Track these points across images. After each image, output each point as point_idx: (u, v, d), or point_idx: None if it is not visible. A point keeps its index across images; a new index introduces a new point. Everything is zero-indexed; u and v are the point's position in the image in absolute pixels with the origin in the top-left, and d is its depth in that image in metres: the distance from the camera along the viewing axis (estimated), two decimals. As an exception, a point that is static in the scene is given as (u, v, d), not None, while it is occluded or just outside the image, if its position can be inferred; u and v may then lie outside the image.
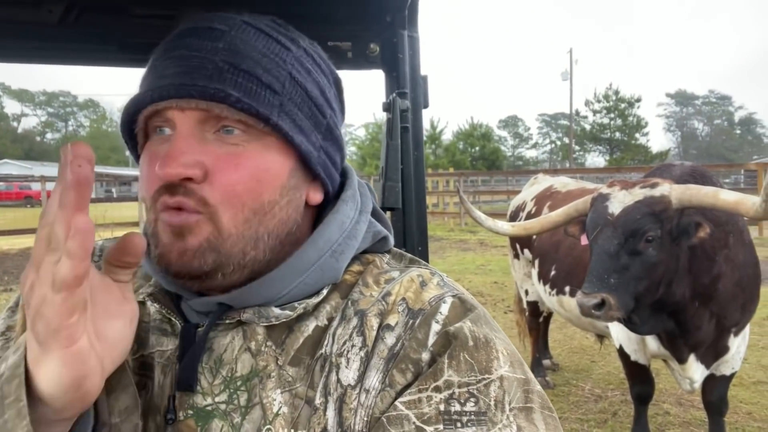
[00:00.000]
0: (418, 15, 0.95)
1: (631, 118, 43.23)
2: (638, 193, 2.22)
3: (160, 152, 0.57)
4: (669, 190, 2.19)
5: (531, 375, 0.56)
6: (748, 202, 2.02)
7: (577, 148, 47.95)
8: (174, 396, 0.58)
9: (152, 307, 0.64)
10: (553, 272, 3.39)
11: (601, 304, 2.10)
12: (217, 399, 0.57)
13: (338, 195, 0.68)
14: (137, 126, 0.61)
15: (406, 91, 0.96)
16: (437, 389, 0.52)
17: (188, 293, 0.63)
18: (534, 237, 3.60)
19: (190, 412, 0.57)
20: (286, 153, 0.60)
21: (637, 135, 43.25)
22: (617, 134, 44.05)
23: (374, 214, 0.72)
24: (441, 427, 0.50)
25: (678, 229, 2.16)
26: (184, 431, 0.57)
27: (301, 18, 0.73)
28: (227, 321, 0.60)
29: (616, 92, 43.85)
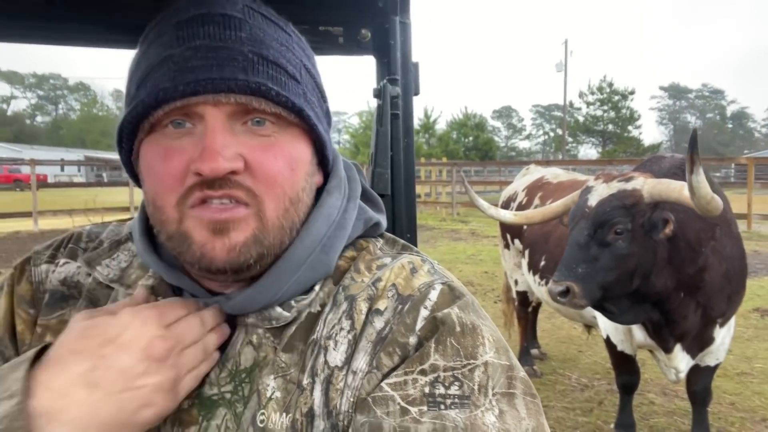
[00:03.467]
0: (410, 1, 0.95)
1: (624, 111, 43.38)
2: (614, 186, 2.28)
3: (183, 147, 0.56)
4: (642, 184, 2.24)
5: (516, 362, 0.57)
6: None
7: (570, 139, 48.05)
8: None
9: (152, 300, 0.63)
10: (543, 262, 3.42)
11: (566, 292, 2.18)
12: (223, 389, 0.59)
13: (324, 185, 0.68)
14: (147, 120, 0.57)
15: (397, 77, 0.96)
16: (423, 372, 0.53)
17: (194, 289, 0.63)
18: (524, 227, 3.62)
19: (196, 401, 0.58)
20: (307, 141, 0.62)
21: (629, 127, 43.43)
22: (610, 126, 44.20)
23: (365, 197, 0.72)
24: (425, 408, 0.51)
25: (649, 223, 2.20)
26: (185, 419, 0.57)
27: (292, 2, 0.72)
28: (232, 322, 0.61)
29: (610, 84, 43.94)
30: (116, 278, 0.67)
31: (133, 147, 0.61)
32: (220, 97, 0.54)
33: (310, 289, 0.62)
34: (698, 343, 2.55)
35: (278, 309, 0.60)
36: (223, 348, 0.60)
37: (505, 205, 4.21)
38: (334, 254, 0.63)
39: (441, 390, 0.52)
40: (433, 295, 0.59)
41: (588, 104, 45.65)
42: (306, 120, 0.59)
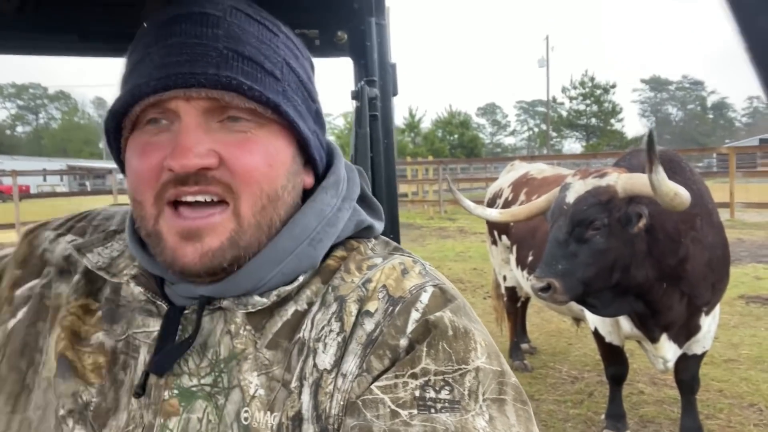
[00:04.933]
0: (386, 2, 0.95)
1: (606, 104, 43.82)
2: (589, 183, 2.33)
3: (160, 144, 0.56)
4: (615, 179, 2.28)
5: (507, 368, 0.57)
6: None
7: (554, 134, 48.40)
8: (147, 372, 0.59)
9: (136, 289, 0.64)
10: (530, 258, 3.42)
11: (547, 288, 2.24)
12: (203, 381, 0.58)
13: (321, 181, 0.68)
14: (128, 117, 0.58)
15: (375, 78, 0.96)
16: (414, 376, 0.53)
17: (174, 279, 0.63)
18: (511, 224, 3.64)
19: (176, 391, 0.58)
20: (288, 139, 0.61)
21: (612, 121, 43.87)
22: (593, 120, 44.62)
23: (366, 203, 0.72)
24: (415, 411, 0.50)
25: (625, 218, 2.24)
26: (167, 410, 0.57)
27: (267, 3, 0.72)
28: (210, 307, 0.61)
29: (592, 79, 44.37)
30: (104, 266, 0.67)
31: (119, 146, 0.62)
32: (191, 92, 0.55)
33: (294, 280, 0.61)
34: (685, 332, 2.58)
35: (256, 297, 0.60)
36: (194, 333, 0.59)
37: (491, 202, 4.23)
38: (321, 249, 0.62)
39: (431, 394, 0.51)
40: (425, 298, 0.58)
41: (571, 99, 46.07)
42: (284, 116, 0.58)
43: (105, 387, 0.60)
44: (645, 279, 2.34)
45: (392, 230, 0.99)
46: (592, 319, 2.89)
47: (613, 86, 44.12)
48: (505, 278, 4.16)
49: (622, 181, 2.26)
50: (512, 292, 4.14)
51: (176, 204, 0.57)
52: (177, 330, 0.60)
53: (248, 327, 0.59)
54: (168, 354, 0.58)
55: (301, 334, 0.58)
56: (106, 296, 0.66)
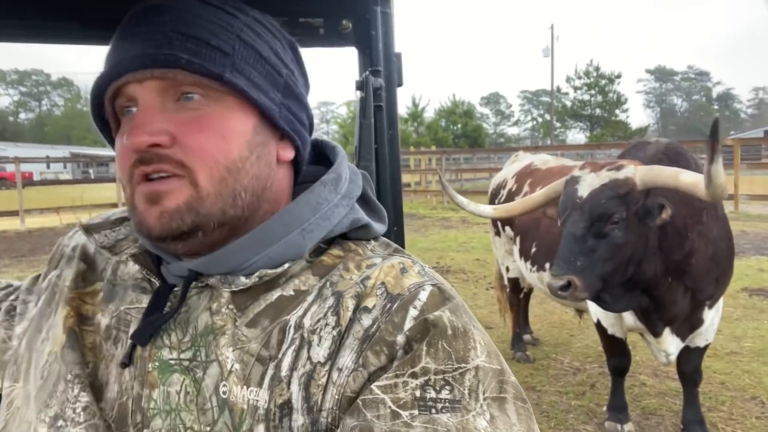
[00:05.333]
0: (391, -9, 0.93)
1: (611, 95, 43.54)
2: (604, 176, 2.25)
3: (128, 129, 0.60)
4: (633, 172, 2.22)
5: (506, 366, 0.57)
6: (702, 185, 2.02)
7: (558, 124, 48.20)
8: (134, 345, 0.62)
9: (133, 267, 0.68)
10: (533, 249, 3.41)
11: (567, 286, 2.17)
12: (182, 355, 0.60)
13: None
14: (106, 111, 0.63)
15: (380, 68, 0.94)
16: (414, 375, 0.53)
17: (169, 257, 0.66)
18: None
19: (157, 364, 0.61)
20: (247, 110, 0.62)
21: (617, 111, 43.63)
22: (597, 111, 44.39)
23: (368, 204, 0.73)
24: (416, 412, 0.50)
25: (643, 211, 2.19)
26: (151, 381, 0.60)
27: None
28: (199, 285, 0.63)
29: (597, 69, 44.06)
30: (108, 245, 0.71)
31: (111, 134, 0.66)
32: (138, 75, 0.58)
33: (280, 266, 0.63)
34: (688, 325, 2.57)
35: (241, 277, 0.61)
36: (177, 306, 0.62)
37: (495, 193, 4.21)
38: (310, 240, 0.64)
39: (432, 394, 0.51)
40: (423, 296, 0.59)
41: (575, 89, 45.80)
42: (233, 86, 0.60)
43: (97, 364, 0.64)
44: (653, 274, 2.31)
45: (396, 222, 0.98)
46: (595, 311, 2.88)
47: (618, 76, 43.80)
48: (508, 269, 4.13)
49: (641, 173, 2.21)
50: (515, 283, 4.11)
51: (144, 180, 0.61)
52: (164, 305, 0.63)
53: (231, 306, 0.61)
54: (148, 324, 0.61)
55: (288, 317, 0.59)
56: (107, 278, 0.70)
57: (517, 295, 4.20)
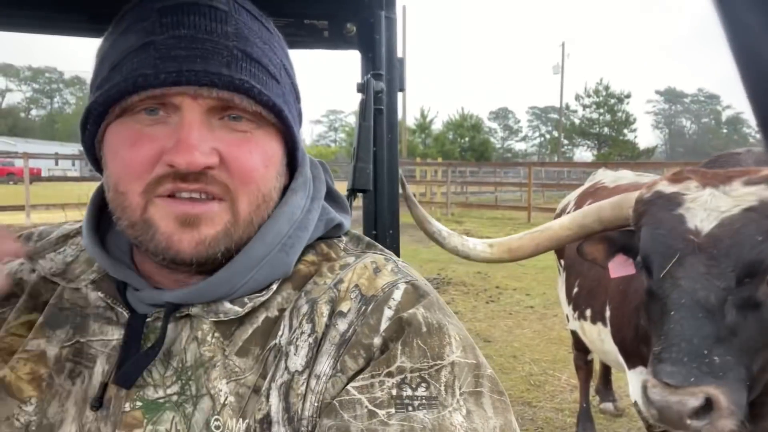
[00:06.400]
0: (397, -1, 0.94)
1: (620, 114, 43.54)
2: (744, 194, 1.26)
3: (155, 135, 0.55)
4: None
5: (483, 360, 0.57)
6: None
7: (565, 141, 48.21)
8: (106, 385, 0.57)
9: (93, 294, 0.62)
10: (576, 289, 2.49)
11: (707, 407, 1.14)
12: (169, 391, 0.57)
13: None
14: (119, 104, 0.56)
15: (382, 72, 0.95)
16: (390, 374, 0.53)
17: (141, 283, 0.61)
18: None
19: (139, 403, 0.57)
20: (281, 141, 0.62)
21: (625, 131, 43.60)
22: (606, 129, 44.37)
23: (330, 197, 0.72)
24: (393, 410, 0.51)
25: None
26: (129, 422, 0.56)
27: None
28: (177, 314, 0.60)
29: (606, 88, 44.14)
30: (59, 272, 0.65)
31: (98, 129, 0.59)
32: (201, 90, 0.54)
33: (266, 287, 0.61)
34: None
35: (227, 304, 0.59)
36: (160, 342, 0.58)
37: (558, 216, 2.84)
38: (293, 254, 0.62)
39: (408, 392, 0.52)
40: (397, 295, 0.59)
41: (584, 107, 45.85)
42: (284, 121, 0.60)
43: (45, 401, 0.58)
44: None
45: (392, 225, 0.99)
46: (636, 392, 1.86)
47: (628, 96, 43.90)
48: (568, 318, 2.81)
49: None
50: (577, 337, 2.84)
51: (170, 195, 0.56)
52: (140, 339, 0.58)
53: (216, 334, 0.59)
54: (134, 365, 0.56)
55: (276, 341, 0.58)
56: (49, 302, 0.63)
57: (584, 355, 3.06)
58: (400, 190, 1.07)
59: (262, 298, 0.60)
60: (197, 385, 0.57)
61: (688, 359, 1.16)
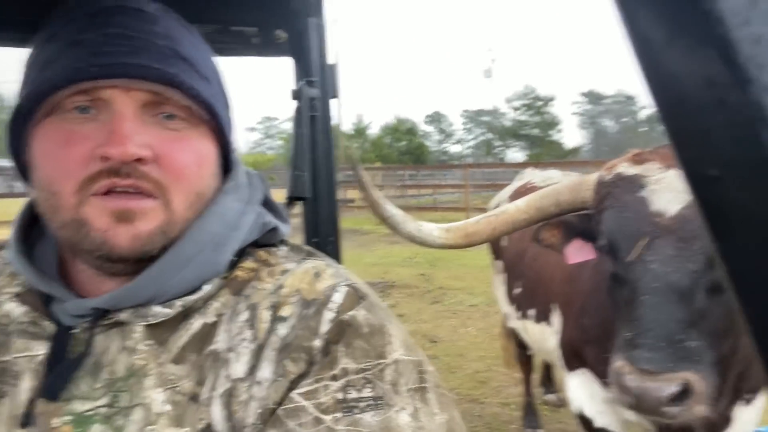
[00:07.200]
0: (324, 2, 0.94)
1: (547, 116, 45.51)
2: None
3: (86, 133, 0.54)
4: None
5: (424, 357, 0.58)
6: None
7: (498, 143, 49.78)
8: (33, 400, 0.55)
9: (18, 309, 0.60)
10: (516, 289, 2.50)
11: (683, 392, 1.12)
12: (98, 403, 0.55)
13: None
14: (47, 102, 0.55)
15: (315, 79, 0.95)
16: (334, 378, 0.53)
17: (65, 294, 0.59)
18: (503, 243, 2.65)
19: (68, 417, 0.55)
20: (214, 142, 0.62)
21: (552, 132, 45.58)
22: (535, 131, 46.21)
23: (269, 207, 0.71)
24: (339, 415, 0.50)
25: None
26: None
27: (203, 1, 0.71)
28: (105, 322, 0.58)
29: (534, 90, 46.02)
30: None
31: (26, 132, 0.58)
32: (133, 83, 0.54)
33: (198, 288, 0.60)
34: (709, 426, 1.48)
35: (156, 307, 0.57)
36: (87, 351, 0.56)
37: None
38: (225, 255, 0.61)
39: (354, 394, 0.52)
40: (338, 297, 0.59)
41: (514, 109, 47.62)
42: (217, 119, 0.60)
43: None
44: (744, 349, 1.35)
45: (332, 232, 0.98)
46: (576, 397, 1.83)
47: (552, 99, 46.06)
48: (508, 317, 2.87)
49: None
50: (517, 334, 2.87)
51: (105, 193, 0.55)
52: (66, 351, 0.56)
53: (149, 342, 0.57)
54: (59, 376, 0.55)
55: (214, 347, 0.57)
56: None
57: (525, 350, 3.11)
58: (340, 195, 1.06)
59: (194, 297, 0.58)
60: (130, 395, 0.55)
61: (664, 344, 1.13)
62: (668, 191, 1.24)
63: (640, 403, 1.15)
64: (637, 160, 1.35)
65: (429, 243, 1.65)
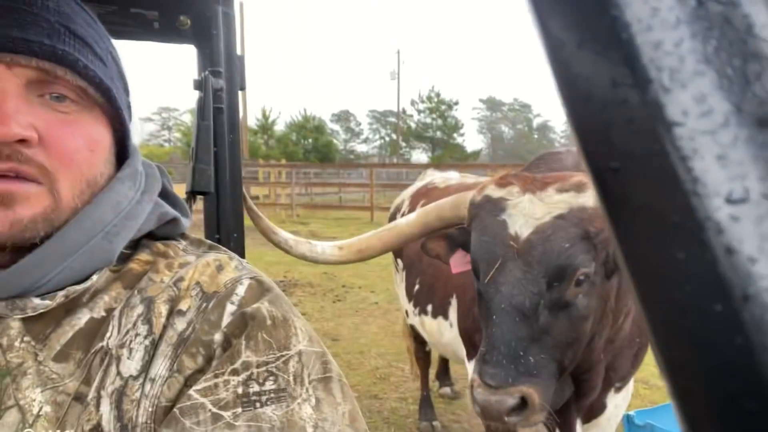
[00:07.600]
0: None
1: (450, 120, 47.22)
2: (556, 201, 1.33)
3: None
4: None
5: (327, 350, 0.58)
6: None
7: (403, 144, 50.87)
8: None
9: None
10: (416, 287, 2.63)
11: (521, 404, 1.25)
12: None
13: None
14: None
15: (221, 69, 0.91)
16: (235, 372, 0.51)
17: None
18: None
19: None
20: (109, 127, 0.59)
21: (455, 135, 47.40)
22: (438, 133, 47.78)
23: (167, 197, 0.69)
24: (239, 410, 0.49)
25: (612, 259, 1.33)
26: None
27: None
28: None
29: (438, 94, 47.55)
30: None
31: None
32: (19, 59, 0.50)
33: (86, 278, 0.56)
34: (587, 412, 1.73)
35: (35, 300, 0.53)
36: None
37: (393, 217, 3.16)
38: (118, 243, 0.58)
39: (255, 388, 0.50)
40: (241, 290, 0.57)
41: (419, 112, 48.89)
42: (112, 102, 0.57)
43: None
44: (599, 351, 1.52)
45: (236, 228, 0.95)
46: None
47: (456, 103, 47.82)
48: (408, 313, 2.95)
49: None
50: (416, 331, 3.01)
51: None
52: None
53: (26, 338, 0.53)
54: None
55: (103, 343, 0.53)
56: None
57: (423, 346, 3.25)
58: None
59: (79, 287, 0.54)
60: (2, 396, 0.51)
61: (506, 361, 1.25)
62: (522, 216, 1.34)
63: (485, 414, 1.27)
64: (502, 182, 1.44)
65: (322, 261, 1.73)
